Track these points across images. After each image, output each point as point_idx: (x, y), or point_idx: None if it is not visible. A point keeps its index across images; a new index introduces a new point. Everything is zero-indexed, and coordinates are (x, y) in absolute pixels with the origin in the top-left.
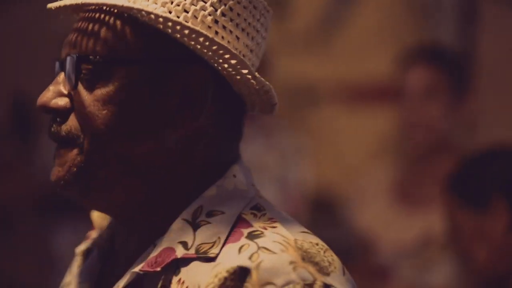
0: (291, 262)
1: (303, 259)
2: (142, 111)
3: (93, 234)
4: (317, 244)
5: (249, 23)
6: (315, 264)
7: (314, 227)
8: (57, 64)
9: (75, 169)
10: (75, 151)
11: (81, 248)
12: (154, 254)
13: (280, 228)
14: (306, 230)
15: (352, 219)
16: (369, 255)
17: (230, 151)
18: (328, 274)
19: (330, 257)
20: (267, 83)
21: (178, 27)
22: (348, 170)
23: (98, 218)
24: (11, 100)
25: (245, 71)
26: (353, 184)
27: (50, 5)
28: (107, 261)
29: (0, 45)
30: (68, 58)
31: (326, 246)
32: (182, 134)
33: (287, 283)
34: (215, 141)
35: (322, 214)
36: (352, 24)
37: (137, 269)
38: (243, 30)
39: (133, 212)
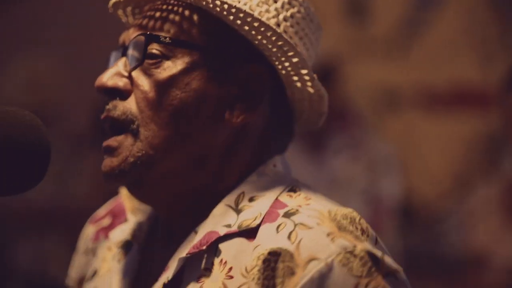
0: (329, 234)
1: (339, 228)
2: (201, 99)
3: (130, 221)
4: (350, 213)
5: (306, 33)
6: (350, 232)
7: (406, 240)
8: (113, 54)
9: (132, 159)
10: (129, 139)
11: (118, 237)
12: (198, 238)
13: (314, 203)
14: (339, 204)
15: (457, 234)
16: (481, 271)
17: (275, 146)
18: (364, 241)
19: (364, 224)
20: (323, 88)
21: (249, 19)
22: (435, 178)
23: (131, 201)
24: (94, 111)
25: (304, 71)
26: (446, 196)
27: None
28: (146, 255)
29: (88, 55)
30: (135, 40)
31: (359, 215)
32: (236, 125)
33: (330, 255)
34: (264, 136)
35: (413, 227)
36: (433, 29)
37: (183, 254)
38: (301, 38)
39: (181, 204)
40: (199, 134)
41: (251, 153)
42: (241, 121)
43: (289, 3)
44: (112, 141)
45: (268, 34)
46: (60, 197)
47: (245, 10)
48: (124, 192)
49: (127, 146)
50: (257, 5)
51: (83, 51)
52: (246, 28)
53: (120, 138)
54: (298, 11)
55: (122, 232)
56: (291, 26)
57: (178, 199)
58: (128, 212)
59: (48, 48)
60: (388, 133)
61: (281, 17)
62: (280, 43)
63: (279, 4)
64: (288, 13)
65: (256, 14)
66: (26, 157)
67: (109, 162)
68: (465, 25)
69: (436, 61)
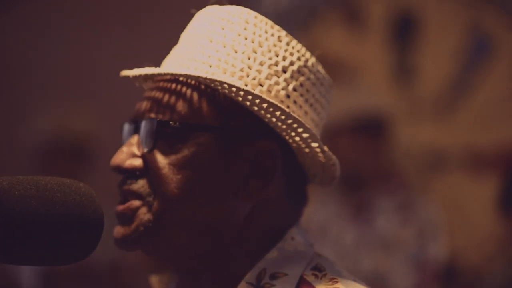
0: None
1: None
2: (214, 178)
3: None
4: None
5: (317, 99)
6: None
7: None
8: (126, 126)
9: (142, 228)
10: (143, 209)
11: None
12: None
13: (341, 287)
14: (364, 284)
15: None
16: None
17: (290, 216)
18: None
19: None
20: (334, 156)
21: (257, 101)
22: (480, 241)
23: (157, 282)
24: None
25: (315, 145)
26: (491, 259)
27: (127, 73)
28: None
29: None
30: (145, 122)
31: None
32: (249, 202)
33: None
34: (278, 208)
35: None
36: (480, 91)
37: None
38: (311, 105)
39: (197, 273)
40: (211, 211)
41: (267, 226)
42: (255, 197)
43: (299, 71)
44: (127, 209)
45: (277, 113)
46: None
47: (252, 92)
48: (152, 279)
49: (139, 216)
50: (266, 78)
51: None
52: (255, 108)
53: (136, 203)
54: (308, 78)
55: None
56: (301, 95)
57: (191, 269)
58: None
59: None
60: (434, 195)
61: (290, 87)
62: (289, 121)
63: (288, 74)
64: (298, 82)
65: (265, 88)
66: (81, 229)
67: (122, 230)
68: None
69: (483, 123)
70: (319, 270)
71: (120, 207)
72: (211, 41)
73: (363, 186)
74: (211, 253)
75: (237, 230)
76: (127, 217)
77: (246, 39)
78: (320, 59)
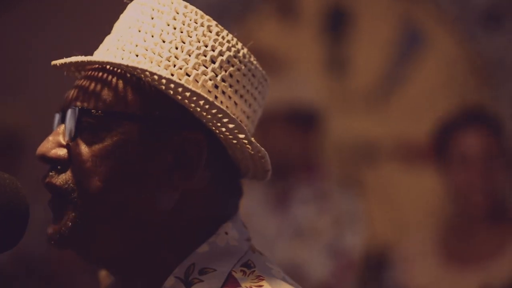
0: None
1: None
2: (137, 169)
3: None
4: None
5: (247, 90)
6: None
7: None
8: (57, 116)
9: (67, 227)
10: (70, 206)
11: None
12: None
13: (265, 287)
14: (292, 286)
15: (400, 279)
16: None
17: (224, 209)
18: None
19: None
20: (263, 149)
21: (180, 89)
22: (405, 229)
23: (105, 277)
24: None
25: (241, 136)
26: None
27: (55, 62)
28: None
29: None
30: (70, 111)
31: None
32: (175, 193)
33: None
34: (209, 201)
35: (372, 277)
36: (412, 83)
37: None
38: (241, 96)
39: (128, 267)
40: (137, 203)
41: (197, 219)
42: (180, 188)
43: (228, 61)
44: (56, 206)
45: (201, 102)
46: None
47: (174, 81)
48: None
49: (66, 213)
50: (194, 67)
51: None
52: (179, 97)
53: (62, 204)
54: (238, 69)
55: None
56: (230, 85)
57: (122, 263)
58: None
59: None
60: (365, 186)
61: (219, 78)
62: (214, 110)
63: (216, 65)
64: (227, 73)
65: (191, 78)
66: (5, 219)
67: (51, 228)
68: (444, 79)
69: (415, 114)
70: (249, 267)
71: (49, 203)
72: (139, 31)
73: (287, 176)
74: (139, 248)
75: (164, 224)
76: (55, 215)
77: (174, 28)
78: (254, 50)
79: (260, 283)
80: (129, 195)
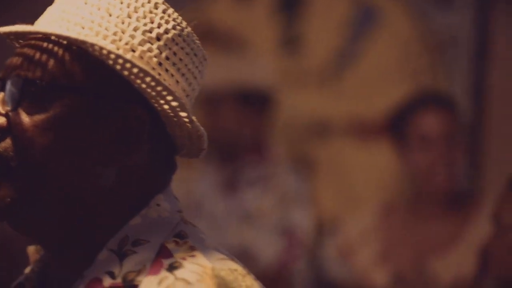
0: None
1: (219, 286)
2: (78, 142)
3: (27, 269)
4: (235, 270)
5: (189, 69)
6: None
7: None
8: None
9: (8, 199)
10: (7, 176)
11: (13, 284)
12: (82, 286)
13: (199, 257)
14: (226, 256)
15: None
16: None
17: (158, 183)
18: None
19: (249, 282)
20: (202, 128)
21: (128, 65)
22: (356, 206)
23: (34, 253)
24: None
25: (183, 114)
26: (355, 221)
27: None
28: None
29: None
30: (13, 80)
31: (245, 271)
32: (115, 168)
33: None
34: (144, 175)
35: (321, 255)
36: (365, 60)
37: None
38: (183, 75)
39: (63, 242)
40: (77, 176)
41: (132, 193)
42: (120, 163)
43: (173, 40)
44: None
45: (147, 79)
46: None
47: (123, 56)
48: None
49: (3, 185)
50: (139, 44)
51: None
52: (126, 73)
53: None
54: (182, 48)
55: (18, 279)
56: (174, 64)
57: (57, 238)
58: (32, 260)
59: None
60: (317, 164)
61: (163, 55)
62: (159, 88)
63: (162, 42)
64: (172, 51)
65: (137, 54)
66: None
67: None
68: (398, 57)
69: (368, 92)
70: (181, 237)
71: None
72: (86, 3)
73: (237, 158)
74: (75, 222)
75: (100, 198)
76: None
77: (121, 3)
78: (208, 29)
79: (193, 253)
80: (69, 168)
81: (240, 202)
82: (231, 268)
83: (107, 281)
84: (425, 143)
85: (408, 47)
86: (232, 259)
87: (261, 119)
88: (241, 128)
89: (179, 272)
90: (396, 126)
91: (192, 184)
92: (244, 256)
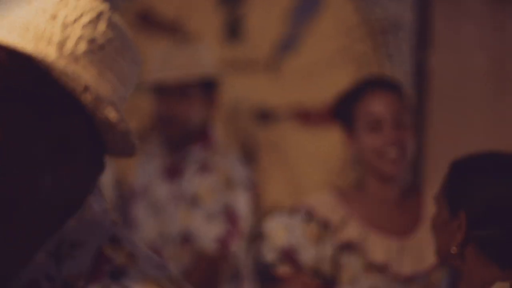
0: None
1: None
2: (19, 151)
3: None
4: (177, 280)
5: (126, 76)
6: None
7: None
8: None
9: None
10: None
11: None
12: None
13: (141, 264)
14: (164, 264)
15: None
16: None
17: (89, 185)
18: None
19: None
20: (130, 127)
21: (71, 77)
22: (302, 192)
23: None
24: None
25: (123, 125)
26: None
27: None
28: None
29: None
30: None
31: (183, 282)
32: (54, 176)
33: None
34: (80, 179)
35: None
36: (308, 47)
37: None
38: (122, 82)
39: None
40: (18, 185)
41: (68, 196)
42: (61, 171)
43: (116, 49)
44: None
45: (89, 94)
46: None
47: (69, 69)
48: None
49: None
50: (83, 53)
51: None
52: (69, 84)
53: None
54: (123, 56)
55: None
56: (115, 72)
57: None
58: None
59: None
60: (263, 149)
61: (104, 65)
62: (100, 101)
63: (105, 52)
64: (113, 60)
65: (80, 64)
66: None
67: None
68: (340, 43)
69: (312, 78)
70: (118, 243)
71: None
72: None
73: (182, 144)
74: (15, 229)
75: (39, 205)
76: None
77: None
78: (153, 18)
79: (134, 260)
80: (10, 177)
81: (184, 189)
82: (171, 277)
83: (45, 284)
84: (374, 125)
85: (351, 33)
86: (169, 269)
87: (206, 107)
88: (187, 115)
89: (123, 280)
90: (344, 110)
91: (138, 170)
92: (186, 240)
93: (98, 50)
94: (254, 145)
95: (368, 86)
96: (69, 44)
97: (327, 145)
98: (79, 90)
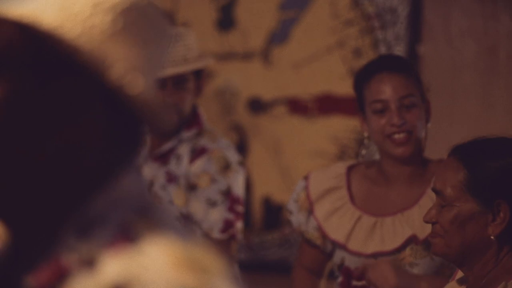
0: None
1: (190, 268)
2: (26, 118)
3: None
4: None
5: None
6: None
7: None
8: None
9: None
10: None
11: None
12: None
13: (164, 234)
14: (190, 231)
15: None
16: None
17: (117, 159)
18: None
19: (218, 264)
20: (157, 100)
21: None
22: (290, 183)
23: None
24: None
25: (138, 87)
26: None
27: None
28: None
29: None
30: None
31: (208, 247)
32: (65, 143)
33: None
34: (101, 151)
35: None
36: (302, 38)
37: None
38: (139, 44)
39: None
40: (25, 152)
41: (88, 167)
42: (71, 137)
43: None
44: None
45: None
46: None
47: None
48: None
49: None
50: (91, 15)
51: None
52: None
53: None
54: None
55: None
56: (130, 33)
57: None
58: None
59: None
60: (255, 139)
61: (118, 25)
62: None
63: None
64: (127, 19)
65: (87, 25)
66: None
67: None
68: (335, 34)
69: (305, 70)
70: (143, 214)
71: None
72: None
73: (177, 131)
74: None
75: (55, 175)
76: None
77: None
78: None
79: (157, 229)
80: (16, 144)
81: (180, 171)
82: (194, 242)
83: (66, 257)
84: (380, 108)
85: (344, 23)
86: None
87: (195, 92)
88: (182, 103)
89: (141, 245)
90: (356, 91)
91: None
92: (188, 222)
93: (123, 27)
94: (246, 135)
95: (375, 67)
96: (95, 20)
97: (319, 136)
98: (104, 65)
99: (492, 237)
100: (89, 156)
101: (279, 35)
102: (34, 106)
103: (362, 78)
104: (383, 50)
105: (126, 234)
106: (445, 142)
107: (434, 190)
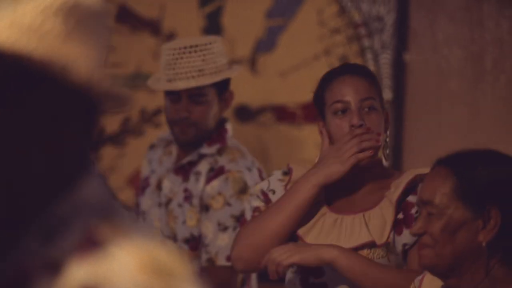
0: None
1: (155, 269)
2: (10, 132)
3: None
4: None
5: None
6: None
7: None
8: None
9: None
10: None
11: None
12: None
13: (130, 237)
14: (158, 234)
15: None
16: None
17: (80, 160)
18: None
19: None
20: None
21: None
22: None
23: None
24: None
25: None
26: None
27: None
28: None
29: None
30: None
31: (177, 251)
32: (48, 154)
33: None
34: (71, 153)
35: None
36: (288, 47)
37: None
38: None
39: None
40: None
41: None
42: (53, 148)
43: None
44: None
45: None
46: None
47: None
48: None
49: None
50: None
51: None
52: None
53: None
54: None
55: None
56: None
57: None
58: None
59: None
60: (244, 146)
61: (69, 27)
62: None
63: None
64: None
65: (39, 36)
66: None
67: None
68: (322, 42)
69: (291, 77)
70: (107, 219)
71: None
72: None
73: (197, 146)
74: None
75: (32, 180)
76: None
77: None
78: (135, 23)
79: (123, 233)
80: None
81: (196, 189)
82: (162, 244)
83: (30, 263)
84: (340, 109)
85: (334, 33)
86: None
87: (219, 106)
88: (203, 116)
89: (109, 249)
90: (317, 98)
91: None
92: (195, 245)
93: (72, 28)
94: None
95: (338, 71)
96: (47, 26)
97: (306, 144)
98: (61, 67)
99: (483, 244)
100: (62, 161)
101: (266, 43)
102: (8, 124)
103: (324, 82)
104: (369, 57)
105: (92, 238)
106: (432, 148)
107: (420, 201)
